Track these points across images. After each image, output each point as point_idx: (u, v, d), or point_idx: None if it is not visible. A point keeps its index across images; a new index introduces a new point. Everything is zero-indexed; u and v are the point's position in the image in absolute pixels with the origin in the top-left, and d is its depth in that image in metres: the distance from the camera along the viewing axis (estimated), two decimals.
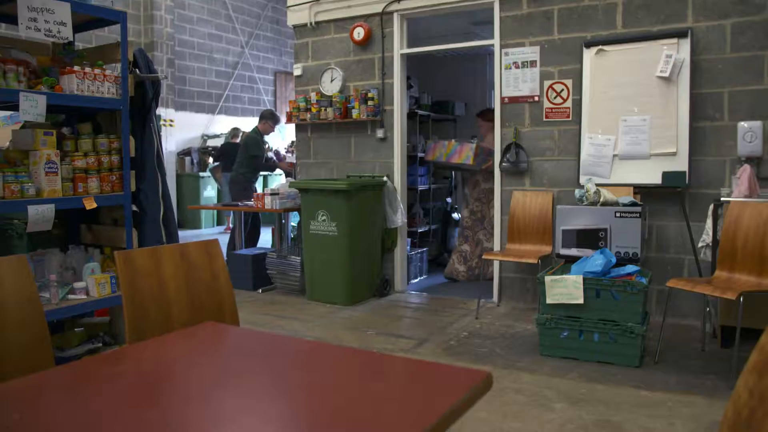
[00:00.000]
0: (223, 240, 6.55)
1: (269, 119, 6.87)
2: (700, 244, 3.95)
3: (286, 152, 11.45)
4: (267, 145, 7.15)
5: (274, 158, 7.10)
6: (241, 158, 6.80)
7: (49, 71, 3.05)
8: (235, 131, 10.50)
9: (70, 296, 3.08)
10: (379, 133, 5.48)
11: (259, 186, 10.02)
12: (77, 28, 3.17)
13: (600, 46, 4.53)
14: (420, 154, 6.44)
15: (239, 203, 6.22)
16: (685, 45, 4.23)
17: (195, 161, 10.35)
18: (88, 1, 3.09)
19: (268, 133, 6.96)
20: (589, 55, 4.57)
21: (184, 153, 10.39)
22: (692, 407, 2.90)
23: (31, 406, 1.17)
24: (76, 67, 3.06)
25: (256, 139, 6.79)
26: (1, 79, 2.78)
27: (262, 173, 7.06)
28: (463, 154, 5.63)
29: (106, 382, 1.29)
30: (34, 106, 2.79)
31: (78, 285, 3.11)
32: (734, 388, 1.10)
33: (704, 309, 3.93)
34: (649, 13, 4.39)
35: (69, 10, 2.91)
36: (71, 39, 3.02)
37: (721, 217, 3.67)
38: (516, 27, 4.86)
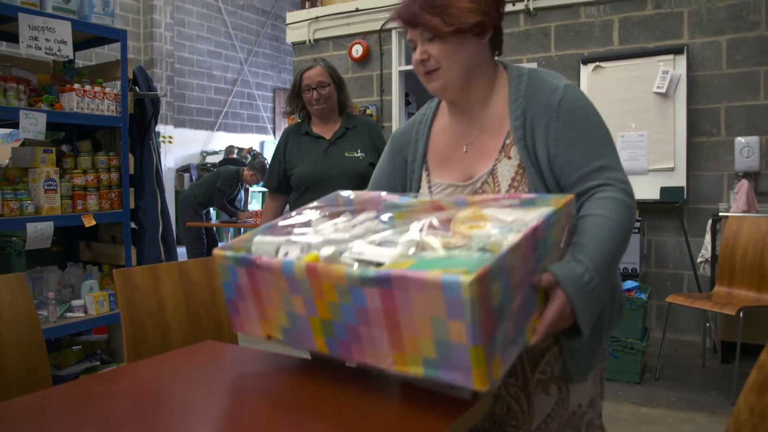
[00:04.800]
0: None
1: (259, 173, 6.25)
2: (699, 260, 3.95)
3: None
4: (237, 193, 6.62)
5: (240, 209, 6.57)
6: (207, 184, 6.31)
7: (49, 89, 3.06)
8: (230, 149, 10.49)
9: (68, 314, 3.07)
10: None
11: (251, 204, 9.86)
12: (77, 46, 3.18)
13: (597, 63, 4.56)
14: None
15: (237, 220, 6.21)
16: (682, 61, 4.27)
17: (194, 178, 10.36)
18: (89, 20, 3.12)
19: (248, 184, 6.54)
20: (586, 71, 4.61)
21: (183, 170, 10.40)
22: (693, 424, 2.89)
23: (28, 425, 1.16)
24: (76, 85, 3.07)
25: (234, 179, 6.31)
26: (2, 97, 2.79)
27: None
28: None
29: (104, 401, 1.28)
30: (33, 123, 2.80)
31: (76, 303, 3.10)
32: (734, 406, 1.09)
33: (704, 324, 3.92)
34: (645, 30, 4.43)
35: (70, 28, 2.93)
36: (71, 57, 3.04)
37: (720, 232, 3.68)
38: (513, 44, 4.90)
